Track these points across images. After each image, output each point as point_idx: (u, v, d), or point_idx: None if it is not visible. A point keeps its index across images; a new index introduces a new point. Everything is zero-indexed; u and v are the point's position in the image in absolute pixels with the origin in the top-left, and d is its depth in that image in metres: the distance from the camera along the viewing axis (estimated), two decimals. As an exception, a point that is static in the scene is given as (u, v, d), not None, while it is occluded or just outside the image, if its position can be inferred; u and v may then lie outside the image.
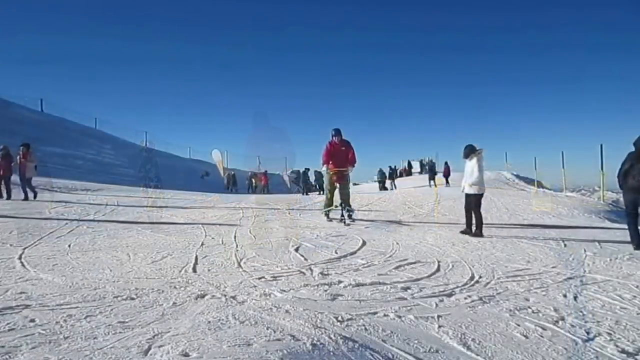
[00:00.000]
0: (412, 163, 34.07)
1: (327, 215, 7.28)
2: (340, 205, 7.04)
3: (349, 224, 6.64)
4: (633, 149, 4.99)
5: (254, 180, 25.01)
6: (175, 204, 10.10)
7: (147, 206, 9.23)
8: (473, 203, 6.11)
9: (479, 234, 5.91)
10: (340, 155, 7.11)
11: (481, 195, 6.19)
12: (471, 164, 6.16)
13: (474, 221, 6.05)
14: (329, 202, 7.30)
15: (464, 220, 6.51)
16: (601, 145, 13.65)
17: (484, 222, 6.18)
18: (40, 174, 13.15)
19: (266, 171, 25.76)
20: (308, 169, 21.77)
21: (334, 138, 7.16)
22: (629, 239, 5.40)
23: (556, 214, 9.57)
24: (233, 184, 24.62)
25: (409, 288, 3.11)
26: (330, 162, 7.10)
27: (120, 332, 2.12)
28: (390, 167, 25.60)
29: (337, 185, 7.11)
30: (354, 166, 7.21)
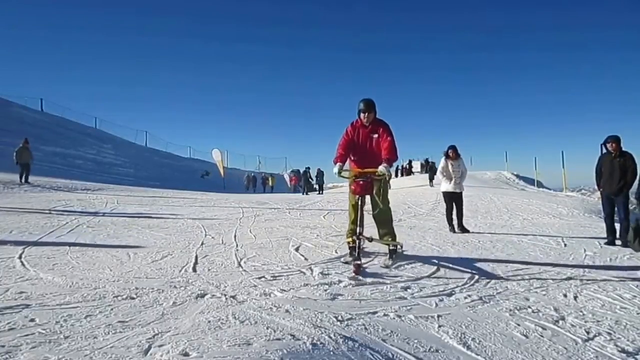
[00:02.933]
0: (413, 163, 34.00)
1: (353, 250, 3.83)
2: (383, 239, 3.98)
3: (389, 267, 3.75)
4: (634, 149, 5.11)
5: (270, 180, 26.49)
6: (175, 204, 10.10)
7: (147, 206, 9.23)
8: (461, 200, 6.56)
9: (466, 229, 6.37)
10: (369, 147, 4.00)
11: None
12: (460, 164, 6.59)
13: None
14: (352, 229, 3.93)
15: (463, 218, 6.62)
16: (601, 145, 13.65)
17: (487, 222, 6.44)
18: (40, 174, 13.18)
19: (297, 171, 27.78)
20: (309, 168, 21.82)
21: (360, 114, 3.98)
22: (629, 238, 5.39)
23: (556, 213, 9.57)
24: (253, 184, 26.16)
25: (408, 287, 3.11)
26: (352, 160, 4.11)
27: (120, 332, 2.12)
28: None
29: (365, 201, 3.85)
30: (390, 164, 3.84)
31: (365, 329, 2.24)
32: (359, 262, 3.51)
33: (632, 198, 5.45)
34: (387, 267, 3.72)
